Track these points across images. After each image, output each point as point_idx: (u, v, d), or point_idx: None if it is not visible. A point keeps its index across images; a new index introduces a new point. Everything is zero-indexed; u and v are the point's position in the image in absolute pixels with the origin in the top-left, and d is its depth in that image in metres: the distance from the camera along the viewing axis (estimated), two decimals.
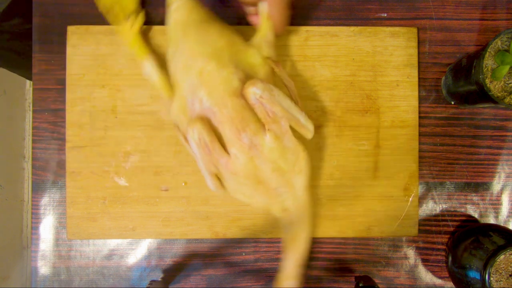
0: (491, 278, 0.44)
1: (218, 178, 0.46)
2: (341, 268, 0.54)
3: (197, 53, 0.44)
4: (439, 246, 0.54)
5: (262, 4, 0.47)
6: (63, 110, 0.53)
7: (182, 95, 0.46)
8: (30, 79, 0.55)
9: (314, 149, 0.53)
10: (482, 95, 0.45)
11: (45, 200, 0.53)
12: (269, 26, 0.48)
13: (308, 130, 0.46)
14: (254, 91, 0.42)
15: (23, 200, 1.30)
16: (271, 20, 0.47)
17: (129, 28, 0.50)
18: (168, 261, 0.53)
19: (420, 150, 0.53)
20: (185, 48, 0.45)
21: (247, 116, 0.43)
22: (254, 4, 0.48)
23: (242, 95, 0.43)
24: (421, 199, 0.54)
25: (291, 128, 0.45)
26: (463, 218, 0.55)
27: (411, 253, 0.54)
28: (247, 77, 0.44)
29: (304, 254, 0.48)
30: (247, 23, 0.53)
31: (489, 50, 0.44)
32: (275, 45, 0.49)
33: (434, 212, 0.55)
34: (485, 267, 0.44)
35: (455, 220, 0.55)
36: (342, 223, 0.53)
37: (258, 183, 0.45)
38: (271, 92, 0.43)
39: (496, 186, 0.55)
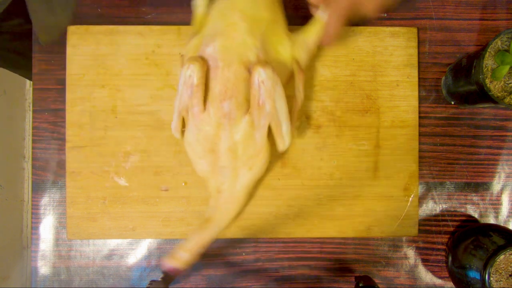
0: (491, 278, 0.44)
1: (183, 124, 0.46)
2: (341, 268, 0.54)
3: (238, 8, 0.43)
4: (439, 246, 0.54)
5: (323, 11, 0.46)
6: (63, 110, 0.53)
7: (203, 34, 0.45)
8: (30, 79, 0.55)
9: (314, 149, 0.53)
10: (482, 95, 0.45)
11: (45, 200, 0.53)
12: (316, 32, 0.47)
13: (283, 141, 0.45)
14: (260, 72, 0.41)
15: (23, 200, 1.30)
16: (323, 30, 0.46)
17: None
18: None
19: (420, 150, 0.53)
20: None
21: (241, 89, 0.43)
22: (317, 5, 0.47)
23: (249, 70, 0.43)
24: (421, 199, 0.54)
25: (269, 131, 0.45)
26: (463, 218, 0.55)
27: (411, 253, 0.54)
28: (265, 59, 0.44)
29: (210, 239, 0.46)
30: None
31: (489, 50, 0.44)
32: (312, 53, 0.48)
33: (434, 212, 0.55)
34: (485, 267, 0.44)
35: (455, 220, 0.55)
36: (342, 223, 0.53)
37: (211, 151, 0.44)
38: (275, 85, 0.42)
39: (496, 186, 0.55)
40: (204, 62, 0.42)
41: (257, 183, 0.52)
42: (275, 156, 0.51)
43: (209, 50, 0.43)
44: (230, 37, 0.43)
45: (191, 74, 0.42)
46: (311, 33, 0.47)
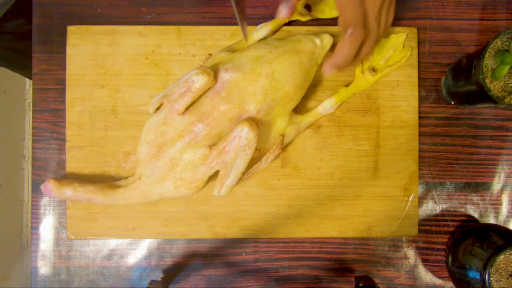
0: (491, 278, 0.44)
1: (158, 109, 0.48)
2: (341, 268, 0.54)
3: (273, 66, 0.45)
4: (439, 246, 0.54)
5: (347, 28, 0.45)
6: (63, 110, 0.53)
7: (233, 58, 0.46)
8: (31, 78, 0.55)
9: (314, 149, 0.53)
10: (482, 95, 0.45)
11: (45, 200, 0.53)
12: (314, 118, 0.51)
13: (219, 189, 0.47)
14: (244, 129, 0.43)
15: (23, 200, 1.30)
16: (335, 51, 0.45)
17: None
18: (168, 261, 0.53)
19: (420, 150, 0.53)
20: (278, 50, 0.46)
21: (221, 125, 0.44)
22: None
23: (238, 118, 0.44)
24: (421, 199, 0.54)
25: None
26: (463, 218, 0.55)
27: (411, 253, 0.54)
28: (261, 121, 0.45)
29: (96, 202, 0.48)
30: (247, 23, 0.54)
31: (489, 50, 0.44)
32: (299, 134, 0.51)
33: (434, 212, 0.55)
34: (485, 267, 0.44)
35: (455, 220, 0.55)
36: (342, 223, 0.53)
37: (158, 147, 0.46)
38: (247, 147, 0.44)
39: (496, 186, 0.55)
40: (212, 81, 0.44)
41: (257, 183, 0.52)
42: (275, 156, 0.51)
43: (225, 76, 0.44)
44: (247, 81, 0.44)
45: (195, 81, 0.43)
46: (310, 117, 0.50)
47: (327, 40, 0.48)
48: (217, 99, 0.44)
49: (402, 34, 0.52)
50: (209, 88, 0.44)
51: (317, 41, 0.47)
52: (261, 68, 0.44)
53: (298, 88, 0.46)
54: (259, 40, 0.50)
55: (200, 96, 0.45)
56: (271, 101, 0.45)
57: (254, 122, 0.44)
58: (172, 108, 0.45)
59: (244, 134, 0.43)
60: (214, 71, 0.44)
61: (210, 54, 0.50)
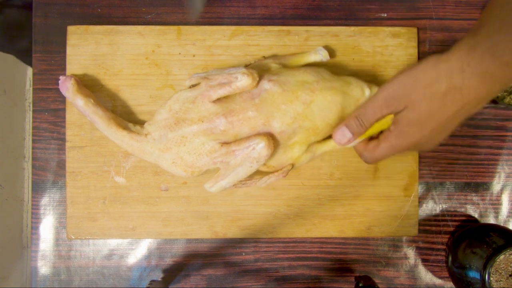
0: (491, 278, 0.44)
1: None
2: (341, 268, 0.54)
3: (314, 97, 0.45)
4: (439, 246, 0.54)
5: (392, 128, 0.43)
6: (63, 110, 0.53)
7: (282, 72, 0.46)
8: None
9: None
10: None
11: (45, 200, 0.53)
12: (331, 148, 0.49)
13: (212, 186, 0.47)
14: (260, 143, 0.43)
15: (23, 200, 1.30)
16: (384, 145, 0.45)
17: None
18: (168, 261, 0.53)
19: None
20: (325, 84, 0.46)
21: (241, 129, 0.45)
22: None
23: (260, 129, 0.44)
24: (421, 199, 0.54)
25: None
26: (463, 218, 0.55)
27: (411, 253, 0.54)
28: (280, 142, 0.45)
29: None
30: (247, 23, 0.54)
31: None
32: (311, 160, 0.50)
33: (434, 212, 0.55)
34: (485, 267, 0.44)
35: (455, 220, 0.55)
36: (342, 223, 0.53)
37: (177, 121, 0.46)
38: (255, 161, 0.44)
39: (496, 186, 0.55)
40: (253, 86, 0.44)
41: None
42: None
43: (266, 85, 0.45)
44: (283, 98, 0.44)
45: (239, 79, 0.44)
46: (327, 147, 0.49)
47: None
48: (249, 104, 0.44)
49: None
50: (248, 91, 0.45)
51: (366, 91, 0.47)
52: (302, 93, 0.45)
53: (328, 126, 0.46)
54: (313, 65, 0.49)
55: (236, 93, 0.45)
56: (297, 127, 0.45)
57: (273, 141, 0.44)
58: (206, 92, 0.45)
59: (258, 148, 0.44)
60: (258, 77, 0.44)
61: (264, 57, 0.50)
